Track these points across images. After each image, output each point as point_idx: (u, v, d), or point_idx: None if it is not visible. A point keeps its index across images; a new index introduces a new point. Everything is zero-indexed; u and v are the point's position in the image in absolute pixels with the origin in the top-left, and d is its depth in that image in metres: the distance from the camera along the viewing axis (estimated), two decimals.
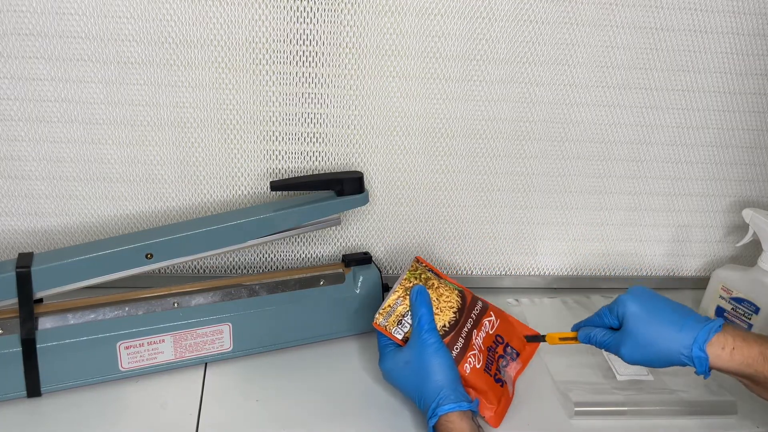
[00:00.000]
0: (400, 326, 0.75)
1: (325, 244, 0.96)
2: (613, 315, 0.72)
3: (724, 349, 0.66)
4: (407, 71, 0.86)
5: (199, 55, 0.81)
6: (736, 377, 0.69)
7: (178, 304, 0.80)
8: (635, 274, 1.06)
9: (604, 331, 0.73)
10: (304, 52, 0.83)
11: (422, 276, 0.79)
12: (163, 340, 0.77)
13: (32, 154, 0.83)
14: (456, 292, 0.79)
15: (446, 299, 0.78)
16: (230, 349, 0.80)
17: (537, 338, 0.82)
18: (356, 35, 0.83)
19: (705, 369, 0.67)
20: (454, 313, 0.77)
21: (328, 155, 0.90)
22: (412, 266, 0.81)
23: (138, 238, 0.77)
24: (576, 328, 0.77)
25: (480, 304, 0.81)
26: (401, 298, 0.76)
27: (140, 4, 0.78)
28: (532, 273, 1.04)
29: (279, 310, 0.82)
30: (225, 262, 0.95)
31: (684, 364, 0.68)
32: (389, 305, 0.76)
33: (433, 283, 0.79)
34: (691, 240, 1.04)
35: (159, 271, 0.89)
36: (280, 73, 0.84)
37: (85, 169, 0.85)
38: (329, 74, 0.85)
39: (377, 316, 0.76)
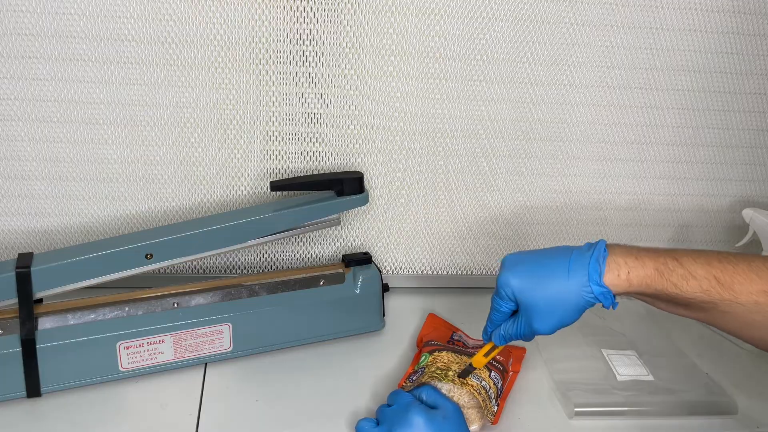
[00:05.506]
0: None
1: (325, 244, 0.96)
2: (506, 300, 0.67)
3: (619, 276, 0.62)
4: (407, 71, 0.86)
5: (199, 55, 0.81)
6: (638, 298, 0.65)
7: (178, 304, 0.80)
8: None
9: (510, 321, 0.69)
10: (304, 52, 0.83)
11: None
12: (163, 341, 0.77)
13: (32, 154, 0.83)
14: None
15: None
16: (230, 349, 0.80)
17: (468, 369, 0.75)
18: (356, 35, 0.83)
19: (612, 301, 0.63)
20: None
21: (328, 155, 0.90)
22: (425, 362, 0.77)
23: (138, 239, 0.77)
24: (487, 336, 0.72)
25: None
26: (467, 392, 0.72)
27: (140, 4, 0.78)
28: None
29: (279, 310, 0.82)
30: (225, 262, 0.95)
31: (592, 305, 0.64)
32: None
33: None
34: (691, 240, 1.04)
35: (159, 271, 0.89)
36: (281, 73, 0.84)
37: (85, 169, 0.85)
38: (329, 74, 0.85)
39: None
